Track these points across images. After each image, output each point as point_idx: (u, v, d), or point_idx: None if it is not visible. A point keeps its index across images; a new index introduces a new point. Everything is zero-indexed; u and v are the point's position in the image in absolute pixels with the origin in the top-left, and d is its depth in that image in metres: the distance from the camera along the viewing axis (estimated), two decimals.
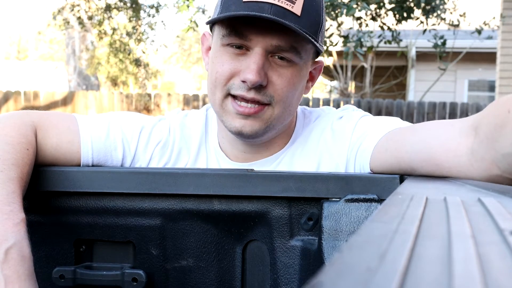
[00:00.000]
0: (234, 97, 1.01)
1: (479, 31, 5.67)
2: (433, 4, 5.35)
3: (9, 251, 0.77)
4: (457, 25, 5.75)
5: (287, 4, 0.95)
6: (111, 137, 1.07)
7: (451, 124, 0.83)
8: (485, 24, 5.86)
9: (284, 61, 1.00)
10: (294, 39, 0.98)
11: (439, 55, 5.83)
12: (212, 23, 1.05)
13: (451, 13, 5.70)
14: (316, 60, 1.12)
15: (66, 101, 9.66)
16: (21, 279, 0.77)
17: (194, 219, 0.98)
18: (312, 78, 1.14)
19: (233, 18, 0.97)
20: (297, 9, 0.96)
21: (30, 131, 0.98)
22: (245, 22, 0.97)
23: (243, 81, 0.98)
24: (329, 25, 5.64)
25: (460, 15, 5.76)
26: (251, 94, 0.99)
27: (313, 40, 0.99)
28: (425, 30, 5.68)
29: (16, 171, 0.89)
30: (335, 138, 1.08)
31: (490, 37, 6.30)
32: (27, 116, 1.01)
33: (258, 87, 0.99)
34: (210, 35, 1.11)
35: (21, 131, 0.96)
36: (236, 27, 0.98)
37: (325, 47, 5.54)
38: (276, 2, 0.95)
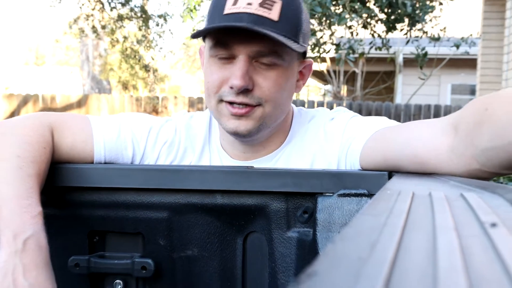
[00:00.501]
0: (226, 102, 1.01)
1: (457, 46, 5.69)
2: (416, 18, 5.36)
3: (27, 241, 0.78)
4: (438, 39, 5.75)
5: (264, 11, 0.95)
6: (122, 137, 1.07)
7: (433, 124, 0.83)
8: (463, 40, 5.87)
9: (267, 65, 0.99)
10: (273, 44, 0.97)
11: (420, 65, 5.85)
12: (197, 37, 1.03)
13: (432, 27, 5.73)
14: (304, 59, 1.11)
15: (80, 103, 9.65)
16: (39, 267, 0.77)
17: (199, 212, 0.97)
18: (302, 77, 1.13)
19: (217, 31, 0.97)
20: (274, 15, 0.95)
21: (47, 131, 0.98)
22: (227, 33, 0.97)
23: (231, 87, 0.98)
24: (322, 33, 5.63)
25: (441, 30, 5.78)
26: (239, 98, 0.99)
27: (292, 41, 0.97)
28: (408, 41, 5.71)
29: (34, 168, 0.89)
30: (327, 139, 1.08)
31: (466, 53, 6.35)
32: (45, 117, 1.01)
33: (245, 91, 0.98)
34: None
35: (39, 131, 0.96)
36: (220, 38, 0.98)
37: (318, 54, 5.53)
38: (253, 11, 0.94)
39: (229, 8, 0.96)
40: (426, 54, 5.75)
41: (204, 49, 1.08)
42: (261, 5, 0.95)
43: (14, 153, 0.88)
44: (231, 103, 1.00)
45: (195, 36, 1.01)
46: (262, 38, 0.95)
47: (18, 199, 0.82)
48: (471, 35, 6.12)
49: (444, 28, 5.78)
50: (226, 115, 1.01)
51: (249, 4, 0.95)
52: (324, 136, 1.08)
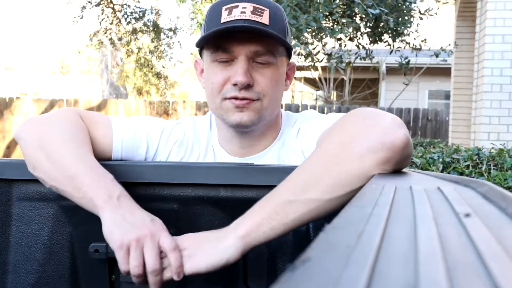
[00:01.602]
0: (229, 99, 1.01)
1: (437, 55, 5.66)
2: (399, 30, 5.34)
3: (120, 198, 0.81)
4: (420, 49, 5.73)
5: (256, 17, 0.97)
6: (138, 136, 1.07)
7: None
8: (442, 50, 5.85)
9: (263, 64, 1.01)
10: (268, 44, 0.99)
11: (403, 72, 5.83)
12: (201, 48, 1.05)
13: (414, 39, 5.70)
14: (289, 62, 1.12)
15: (100, 107, 9.64)
16: (139, 208, 0.82)
17: (204, 204, 0.97)
18: (288, 77, 1.14)
19: (216, 38, 0.99)
20: (265, 19, 0.98)
21: (82, 122, 1.01)
22: (227, 38, 0.98)
23: (234, 84, 0.99)
24: (316, 45, 5.63)
25: (422, 41, 5.76)
26: (242, 94, 0.99)
27: (281, 39, 0.99)
28: (391, 51, 5.68)
29: (88, 147, 0.94)
30: (297, 141, 1.07)
31: (445, 60, 6.34)
32: (76, 110, 1.04)
33: (247, 87, 0.99)
34: (201, 60, 1.12)
35: (78, 119, 1.00)
36: (220, 44, 0.99)
37: (312, 63, 5.53)
38: (247, 18, 0.97)
39: (225, 18, 0.98)
40: (408, 62, 5.74)
41: (202, 59, 1.10)
42: (252, 12, 0.98)
43: (69, 136, 0.92)
44: (233, 98, 1.00)
45: (199, 42, 1.02)
46: (257, 40, 0.98)
47: (92, 170, 0.86)
48: (449, 45, 6.10)
49: (425, 39, 5.75)
50: (230, 109, 1.02)
51: (243, 12, 0.97)
52: (301, 137, 1.07)
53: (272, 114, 1.07)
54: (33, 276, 1.02)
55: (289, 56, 1.10)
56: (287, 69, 1.11)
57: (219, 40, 0.99)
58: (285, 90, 1.13)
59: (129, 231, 0.76)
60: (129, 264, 0.75)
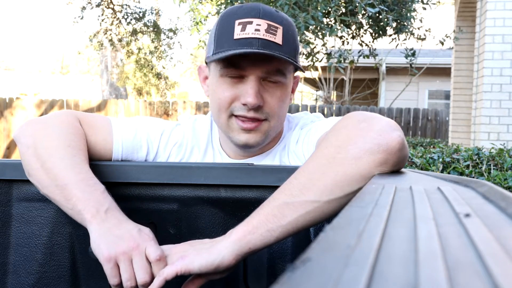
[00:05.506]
0: (237, 116, 1.00)
1: (442, 42, 5.62)
2: (402, 22, 5.32)
3: (108, 211, 0.81)
4: (424, 39, 5.69)
5: (270, 36, 0.95)
6: (138, 137, 1.07)
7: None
8: (447, 36, 5.80)
9: (273, 83, 1.00)
10: (280, 65, 0.98)
11: (410, 63, 5.78)
12: (212, 60, 1.00)
13: (418, 29, 5.65)
14: (294, 75, 1.11)
15: (100, 107, 9.64)
16: (126, 221, 0.81)
17: (205, 204, 0.97)
18: (293, 91, 1.13)
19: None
20: (278, 39, 0.96)
21: (80, 125, 1.00)
22: (240, 56, 0.95)
23: (244, 104, 0.98)
24: (316, 44, 5.61)
25: (426, 30, 5.71)
26: (251, 114, 0.98)
27: (294, 62, 0.98)
28: (397, 45, 5.63)
29: (83, 155, 0.93)
30: (298, 143, 1.07)
31: (451, 48, 6.29)
32: (75, 114, 1.03)
33: (256, 108, 0.98)
34: (205, 67, 1.10)
35: (75, 125, 0.99)
36: (232, 60, 0.97)
37: (312, 63, 5.52)
38: (261, 36, 0.94)
39: (238, 34, 0.95)
40: (414, 53, 5.69)
41: (208, 68, 1.07)
42: (267, 31, 0.95)
43: (64, 143, 0.91)
44: (241, 117, 0.99)
45: (213, 60, 0.98)
46: (270, 60, 0.96)
47: (83, 181, 0.85)
48: (454, 31, 6.05)
49: (429, 29, 5.70)
50: (236, 129, 1.01)
51: (257, 30, 0.95)
52: (297, 142, 1.08)
53: (277, 131, 1.07)
54: (33, 277, 1.02)
55: (295, 70, 1.08)
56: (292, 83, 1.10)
57: (231, 57, 0.96)
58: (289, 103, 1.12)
59: (116, 244, 0.76)
60: (117, 277, 0.75)
